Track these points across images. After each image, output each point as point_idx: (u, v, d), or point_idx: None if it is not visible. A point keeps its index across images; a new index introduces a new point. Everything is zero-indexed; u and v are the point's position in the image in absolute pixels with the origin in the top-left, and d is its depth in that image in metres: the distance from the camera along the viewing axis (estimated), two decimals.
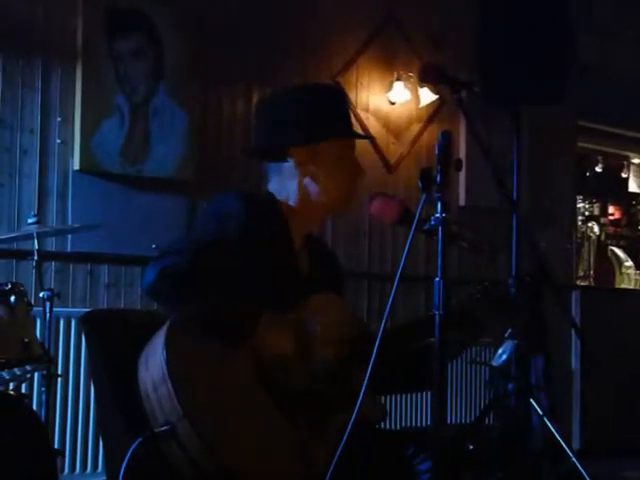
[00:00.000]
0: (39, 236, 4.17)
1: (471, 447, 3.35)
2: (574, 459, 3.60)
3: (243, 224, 2.50)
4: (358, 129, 5.56)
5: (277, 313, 2.45)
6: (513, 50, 4.24)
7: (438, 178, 2.22)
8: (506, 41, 4.26)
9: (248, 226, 2.51)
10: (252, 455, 2.31)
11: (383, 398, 5.71)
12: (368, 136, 3.01)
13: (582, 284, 7.88)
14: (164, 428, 2.26)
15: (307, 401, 2.43)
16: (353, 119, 2.84)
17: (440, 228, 2.22)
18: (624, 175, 8.90)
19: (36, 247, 4.12)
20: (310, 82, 2.66)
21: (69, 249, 5.07)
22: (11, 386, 4.11)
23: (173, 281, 2.36)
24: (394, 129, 6.40)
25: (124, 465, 2.28)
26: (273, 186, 2.70)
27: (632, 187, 8.98)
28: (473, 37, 4.41)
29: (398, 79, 6.30)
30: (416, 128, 6.50)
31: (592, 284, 8.22)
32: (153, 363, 2.32)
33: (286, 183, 2.67)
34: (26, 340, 3.70)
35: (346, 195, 2.69)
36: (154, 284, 2.37)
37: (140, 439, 2.27)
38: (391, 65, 6.36)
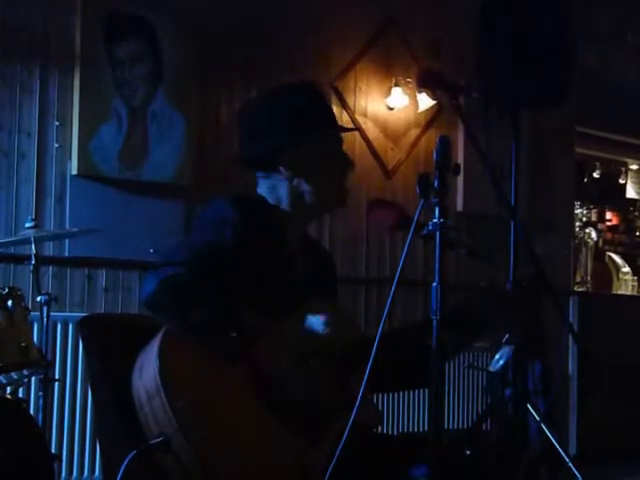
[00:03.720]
0: (37, 240, 4.17)
1: (468, 452, 3.34)
2: (571, 465, 3.60)
3: (238, 230, 2.48)
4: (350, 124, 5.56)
5: (274, 323, 2.44)
6: (513, 54, 4.24)
7: (436, 183, 2.22)
8: (506, 45, 4.26)
9: (243, 231, 2.48)
10: (247, 467, 2.30)
11: (380, 403, 5.71)
12: (354, 128, 3.03)
13: (580, 290, 7.89)
14: (158, 440, 2.24)
15: (304, 409, 2.43)
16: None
17: (438, 233, 2.22)
18: (622, 181, 8.92)
19: (34, 251, 4.12)
20: (285, 83, 2.62)
21: (67, 253, 5.07)
22: (8, 390, 4.11)
23: (172, 294, 2.32)
24: (392, 134, 6.40)
25: (119, 477, 2.27)
26: (262, 190, 2.67)
27: (630, 193, 8.99)
28: (473, 41, 4.41)
29: (396, 84, 6.30)
30: (414, 133, 6.51)
31: (589, 290, 8.23)
32: (147, 373, 2.30)
33: (276, 189, 2.64)
34: (23, 344, 3.70)
35: (339, 191, 2.66)
36: (153, 297, 2.33)
37: (135, 451, 2.26)
38: (389, 70, 6.36)
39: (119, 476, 2.27)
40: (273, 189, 2.65)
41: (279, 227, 2.63)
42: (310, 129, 2.63)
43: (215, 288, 2.36)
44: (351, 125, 5.69)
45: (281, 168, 2.60)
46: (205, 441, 2.25)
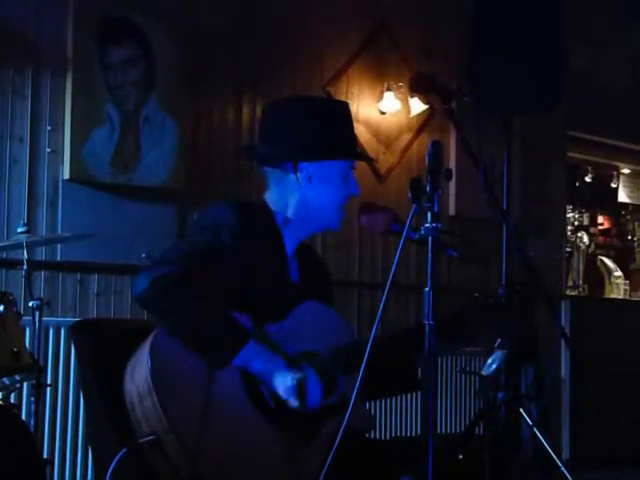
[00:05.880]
0: (29, 245, 4.16)
1: (461, 457, 3.34)
2: (563, 469, 3.61)
3: (236, 234, 2.50)
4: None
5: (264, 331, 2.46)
6: (506, 59, 4.25)
7: (428, 188, 2.23)
8: (499, 50, 4.27)
9: (241, 236, 2.50)
10: (238, 467, 2.31)
11: (372, 408, 5.70)
12: (372, 158, 3.14)
13: (572, 294, 7.90)
14: (149, 438, 2.25)
15: (296, 412, 2.43)
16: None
17: (430, 238, 2.22)
18: (614, 185, 8.93)
19: (26, 256, 4.11)
20: (320, 96, 2.66)
21: (59, 258, 5.05)
22: (0, 396, 4.10)
23: (164, 291, 2.35)
24: (384, 139, 6.40)
25: (109, 474, 2.27)
26: (272, 195, 2.69)
27: (621, 197, 9.00)
28: (465, 46, 4.42)
29: (388, 89, 6.30)
30: (406, 138, 6.51)
31: (582, 294, 8.24)
32: (139, 374, 2.31)
33: (287, 195, 2.66)
34: (15, 350, 3.69)
35: (339, 213, 2.69)
36: (145, 293, 2.36)
37: (125, 449, 2.27)
38: (382, 75, 6.37)
39: (109, 472, 2.27)
40: (283, 195, 2.66)
41: (277, 233, 2.64)
42: (337, 149, 2.66)
43: (207, 289, 2.37)
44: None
45: (299, 175, 2.62)
46: (196, 441, 2.26)
